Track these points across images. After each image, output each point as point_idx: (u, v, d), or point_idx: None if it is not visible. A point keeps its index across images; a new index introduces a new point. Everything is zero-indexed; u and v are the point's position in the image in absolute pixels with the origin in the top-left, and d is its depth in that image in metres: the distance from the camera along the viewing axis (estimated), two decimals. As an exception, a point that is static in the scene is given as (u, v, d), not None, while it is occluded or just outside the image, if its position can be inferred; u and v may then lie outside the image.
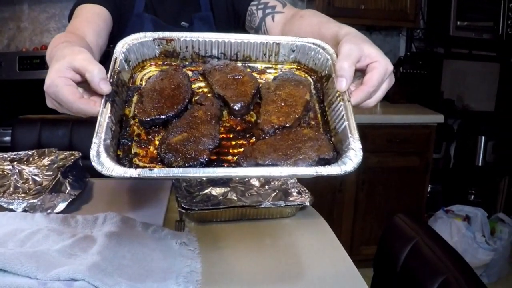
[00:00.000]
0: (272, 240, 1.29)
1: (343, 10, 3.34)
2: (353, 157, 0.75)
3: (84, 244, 1.11)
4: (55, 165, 1.50)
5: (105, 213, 1.28)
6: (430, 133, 3.26)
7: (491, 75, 3.67)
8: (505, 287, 3.27)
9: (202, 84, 0.94)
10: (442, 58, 3.60)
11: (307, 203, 1.41)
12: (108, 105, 0.81)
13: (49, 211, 1.32)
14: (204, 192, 1.47)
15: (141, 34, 0.96)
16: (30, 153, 1.62)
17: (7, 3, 3.33)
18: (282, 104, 0.86)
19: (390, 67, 0.88)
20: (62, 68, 0.83)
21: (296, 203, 1.39)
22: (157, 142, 0.82)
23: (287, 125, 0.83)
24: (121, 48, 0.92)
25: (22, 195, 1.35)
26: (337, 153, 0.79)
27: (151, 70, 0.97)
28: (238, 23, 1.59)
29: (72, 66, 0.83)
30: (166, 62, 0.99)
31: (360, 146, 0.76)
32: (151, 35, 0.96)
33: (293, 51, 1.00)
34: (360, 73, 0.90)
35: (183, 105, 0.86)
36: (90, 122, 2.40)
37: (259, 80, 0.96)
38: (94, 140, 0.76)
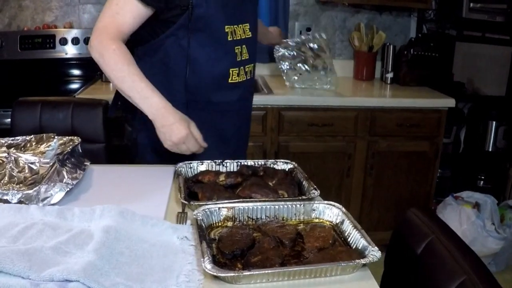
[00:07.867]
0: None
1: (354, -10, 3.27)
2: (376, 253, 1.07)
3: (80, 240, 1.06)
4: (53, 151, 1.44)
5: (103, 206, 1.22)
6: (440, 117, 3.16)
7: (503, 59, 3.54)
8: (513, 275, 3.22)
9: (257, 234, 1.24)
10: (454, 40, 3.50)
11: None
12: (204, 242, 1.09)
13: (45, 202, 1.27)
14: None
15: (211, 205, 1.28)
16: (28, 138, 1.57)
17: (8, -19, 3.25)
18: (318, 235, 1.19)
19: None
20: (189, 130, 1.53)
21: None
22: (238, 265, 1.10)
23: (325, 247, 1.15)
24: (196, 212, 1.24)
25: (18, 185, 1.30)
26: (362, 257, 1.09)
27: (218, 230, 1.25)
28: None
29: (192, 132, 1.54)
30: (228, 224, 1.28)
31: (378, 248, 1.08)
32: (216, 205, 1.28)
33: (314, 210, 1.31)
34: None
35: (251, 242, 1.16)
36: (91, 105, 2.34)
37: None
38: (204, 260, 1.02)
